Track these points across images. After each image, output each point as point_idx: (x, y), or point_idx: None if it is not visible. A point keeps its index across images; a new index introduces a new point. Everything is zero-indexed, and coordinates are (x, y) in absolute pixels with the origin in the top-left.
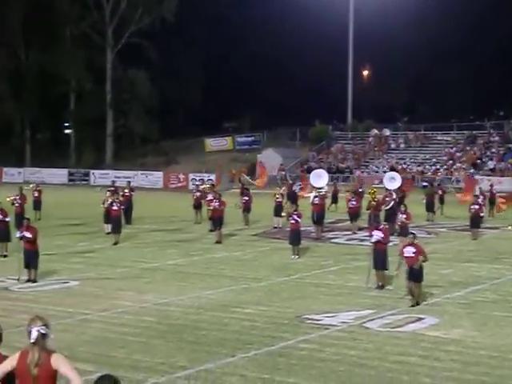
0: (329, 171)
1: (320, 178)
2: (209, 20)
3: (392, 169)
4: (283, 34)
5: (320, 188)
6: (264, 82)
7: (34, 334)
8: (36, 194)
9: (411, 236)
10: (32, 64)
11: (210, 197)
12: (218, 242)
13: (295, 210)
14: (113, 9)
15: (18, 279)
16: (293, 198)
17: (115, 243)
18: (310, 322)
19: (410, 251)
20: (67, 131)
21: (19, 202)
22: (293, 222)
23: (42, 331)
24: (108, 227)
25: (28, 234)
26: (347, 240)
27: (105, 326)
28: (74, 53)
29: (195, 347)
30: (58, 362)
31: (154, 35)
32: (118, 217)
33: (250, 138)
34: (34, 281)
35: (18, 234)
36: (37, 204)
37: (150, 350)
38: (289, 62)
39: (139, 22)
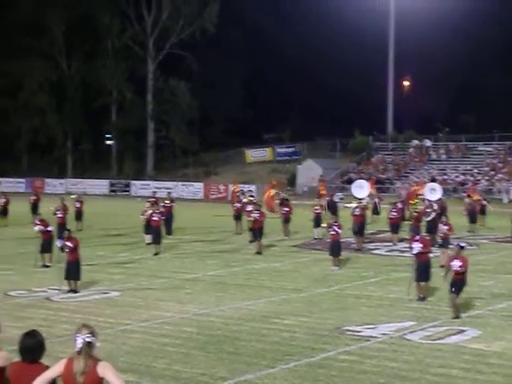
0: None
1: (361, 189)
2: (249, 31)
3: (433, 180)
4: (323, 45)
5: (361, 199)
6: (304, 93)
7: (79, 343)
8: (78, 205)
9: (458, 248)
10: (74, 76)
11: (250, 208)
12: (258, 253)
13: (335, 221)
14: (154, 20)
15: (59, 289)
16: (333, 208)
17: (156, 254)
18: (350, 333)
19: (456, 265)
20: (108, 142)
21: (61, 212)
22: (333, 232)
23: (88, 339)
24: (148, 238)
25: (70, 244)
26: (388, 251)
27: (145, 337)
28: (116, 64)
29: (235, 358)
30: (105, 370)
31: (194, 46)
32: (159, 227)
33: (290, 149)
34: (76, 291)
35: (58, 243)
36: (78, 215)
37: (190, 361)
38: (329, 73)
39: (180, 33)
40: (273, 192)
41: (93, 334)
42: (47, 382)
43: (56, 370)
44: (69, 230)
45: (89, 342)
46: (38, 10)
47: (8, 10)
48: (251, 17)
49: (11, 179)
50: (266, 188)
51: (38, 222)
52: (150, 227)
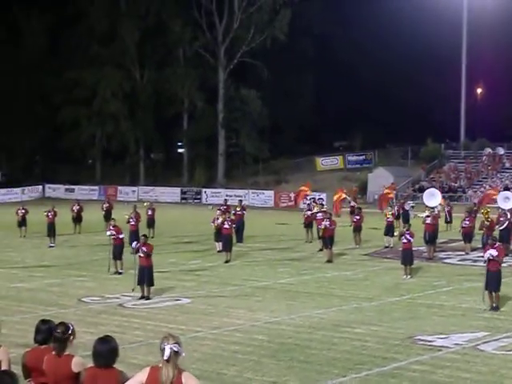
0: (441, 190)
1: (433, 197)
2: (318, 39)
3: (506, 188)
4: (394, 52)
5: (433, 207)
6: (375, 100)
7: (168, 352)
8: (150, 212)
9: None
10: (146, 84)
11: (320, 216)
12: (329, 261)
13: (407, 230)
14: (225, 29)
15: (131, 296)
16: (404, 217)
17: (227, 261)
18: (422, 343)
19: None
20: (180, 150)
21: (134, 220)
22: (405, 241)
23: (175, 349)
24: (219, 245)
25: (144, 249)
26: (460, 260)
27: (216, 344)
28: (187, 72)
29: (306, 366)
30: (189, 380)
31: (265, 54)
32: (230, 235)
33: (361, 157)
34: (148, 298)
35: (133, 245)
36: (150, 222)
37: (261, 369)
38: (400, 81)
39: (251, 41)
40: (343, 196)
41: (179, 343)
42: None
43: (139, 378)
44: (145, 236)
45: (176, 352)
46: (112, 20)
47: (84, 20)
48: (321, 25)
49: (85, 187)
50: (337, 190)
51: (111, 228)
52: (220, 235)
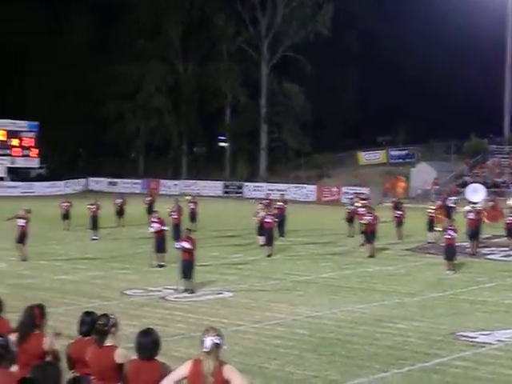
0: (484, 186)
1: (476, 193)
2: (362, 33)
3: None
4: (437, 47)
5: (475, 203)
6: (418, 95)
7: (208, 344)
8: (192, 206)
9: None
10: (190, 78)
11: (362, 211)
12: (371, 256)
13: (450, 225)
14: (268, 24)
15: (175, 289)
16: (447, 212)
17: (269, 255)
18: (464, 339)
19: None
20: (222, 144)
21: (176, 213)
22: (448, 236)
23: (216, 341)
24: (261, 239)
25: (187, 245)
26: (503, 256)
27: (258, 338)
28: (230, 67)
29: (347, 361)
30: (231, 373)
31: (308, 49)
32: (272, 229)
33: (403, 152)
34: (192, 291)
35: (176, 245)
36: (193, 216)
37: (302, 363)
38: (444, 75)
39: (294, 36)
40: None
41: (220, 336)
42: None
43: (182, 371)
44: (189, 229)
45: (217, 344)
46: (157, 13)
47: (128, 14)
48: (365, 20)
49: (128, 180)
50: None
51: (154, 220)
52: (263, 229)
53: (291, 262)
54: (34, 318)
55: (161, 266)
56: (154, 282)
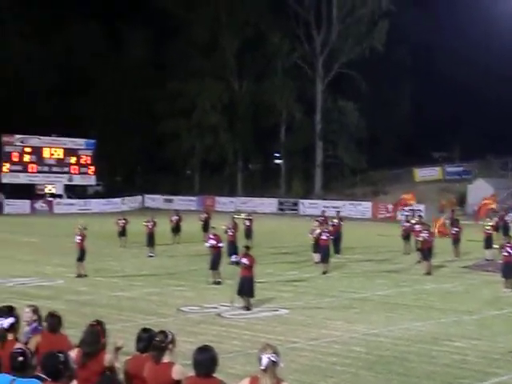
0: None
1: None
2: (415, 47)
3: None
4: (493, 59)
5: None
6: (474, 111)
7: (265, 361)
8: (247, 223)
9: None
10: (245, 95)
11: (418, 228)
12: (428, 274)
13: (508, 242)
14: (323, 40)
15: (230, 306)
16: (505, 229)
17: (324, 272)
18: None
19: None
20: (277, 161)
21: (232, 230)
22: (505, 254)
23: (273, 359)
24: (317, 256)
25: (245, 261)
26: None
27: (314, 355)
28: (285, 84)
29: (404, 379)
30: None
31: (362, 65)
32: (327, 246)
33: (459, 168)
34: (248, 308)
35: (233, 259)
36: (248, 233)
37: (358, 381)
38: (501, 89)
39: (349, 53)
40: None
41: (277, 353)
42: None
43: None
44: (247, 247)
45: (273, 362)
46: (213, 31)
47: (185, 32)
48: (418, 34)
49: (183, 197)
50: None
51: (211, 237)
52: (318, 246)
53: (347, 279)
54: (98, 335)
55: (217, 283)
56: (210, 299)
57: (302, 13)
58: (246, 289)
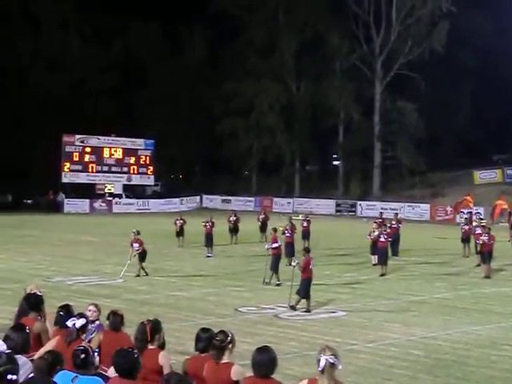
0: None
1: None
2: (477, 48)
3: None
4: None
5: None
6: None
7: (323, 363)
8: (305, 224)
9: None
10: (303, 96)
11: (478, 231)
12: (487, 277)
13: None
14: (382, 41)
15: (288, 307)
16: None
17: (382, 275)
18: None
19: None
20: (335, 162)
21: (289, 232)
22: None
23: (331, 360)
24: (375, 258)
25: (302, 263)
26: None
27: (372, 358)
28: (344, 85)
29: None
30: None
31: (422, 66)
32: (385, 248)
33: None
34: (308, 310)
35: (293, 264)
36: (305, 234)
37: None
38: None
39: (408, 54)
40: (503, 205)
41: (335, 355)
42: None
43: None
44: (306, 249)
45: (332, 363)
46: (271, 32)
47: (243, 33)
48: (480, 36)
49: (241, 198)
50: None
51: (273, 238)
52: (376, 248)
53: (405, 281)
54: (146, 334)
55: (276, 285)
56: (267, 300)
57: (361, 14)
58: (302, 290)
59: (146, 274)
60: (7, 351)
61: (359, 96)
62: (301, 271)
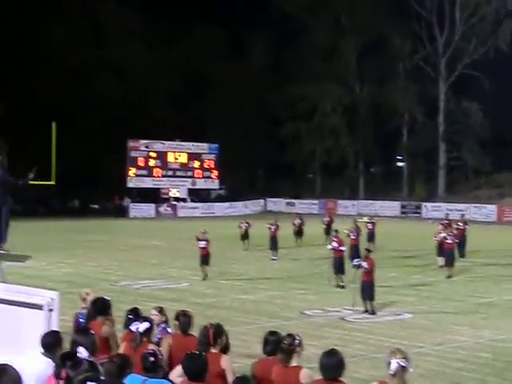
0: None
1: None
2: None
3: None
4: None
5: None
6: None
7: (394, 366)
8: (370, 226)
9: None
10: (366, 98)
11: None
12: None
13: None
14: (446, 41)
15: (353, 310)
16: None
17: (448, 277)
18: None
19: None
20: (399, 164)
21: (354, 234)
22: None
23: (402, 364)
24: (441, 260)
25: (365, 265)
26: None
27: (439, 360)
28: (407, 86)
29: None
30: None
31: (486, 65)
32: (452, 250)
33: None
34: (372, 312)
35: (355, 262)
36: (370, 236)
37: None
38: None
39: (473, 53)
40: None
41: (406, 358)
42: None
43: None
44: (369, 250)
45: (403, 367)
46: (333, 35)
47: (306, 36)
48: None
49: (305, 201)
50: None
51: (334, 239)
52: (442, 249)
53: (472, 283)
54: (209, 337)
55: (341, 287)
56: (333, 303)
57: (423, 13)
58: (366, 293)
59: (204, 279)
60: (90, 358)
61: (423, 97)
62: (364, 272)
